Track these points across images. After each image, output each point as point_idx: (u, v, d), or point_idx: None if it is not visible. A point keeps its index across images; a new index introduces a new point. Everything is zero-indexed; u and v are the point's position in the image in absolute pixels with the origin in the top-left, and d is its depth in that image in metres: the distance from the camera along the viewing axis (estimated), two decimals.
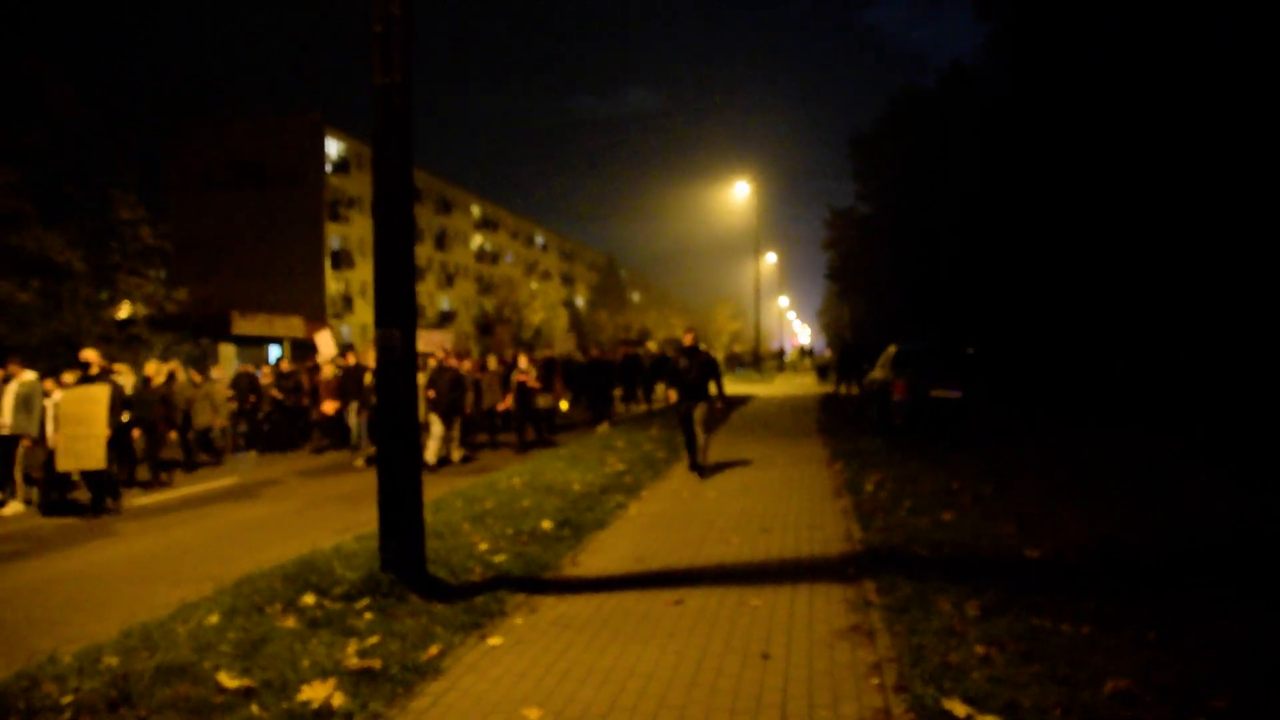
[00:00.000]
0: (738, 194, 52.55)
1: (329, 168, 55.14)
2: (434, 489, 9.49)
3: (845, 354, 32.82)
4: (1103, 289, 23.13)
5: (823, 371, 44.07)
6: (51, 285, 24.83)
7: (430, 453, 13.91)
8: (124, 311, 28.94)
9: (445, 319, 64.86)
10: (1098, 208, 22.66)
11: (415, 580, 6.28)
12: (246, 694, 4.50)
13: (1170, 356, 20.61)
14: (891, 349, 18.14)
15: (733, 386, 36.38)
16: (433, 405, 14.19)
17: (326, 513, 10.89)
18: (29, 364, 12.18)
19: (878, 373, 18.41)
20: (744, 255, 72.19)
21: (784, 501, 9.87)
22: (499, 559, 7.23)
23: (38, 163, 25.13)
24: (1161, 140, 20.52)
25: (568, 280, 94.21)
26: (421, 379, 14.77)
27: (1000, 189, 25.93)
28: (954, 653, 4.69)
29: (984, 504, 8.85)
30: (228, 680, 4.63)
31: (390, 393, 6.55)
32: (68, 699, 4.47)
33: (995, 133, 26.26)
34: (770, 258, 74.48)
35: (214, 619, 5.69)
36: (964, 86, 30.87)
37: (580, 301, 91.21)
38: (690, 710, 4.29)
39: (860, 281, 50.37)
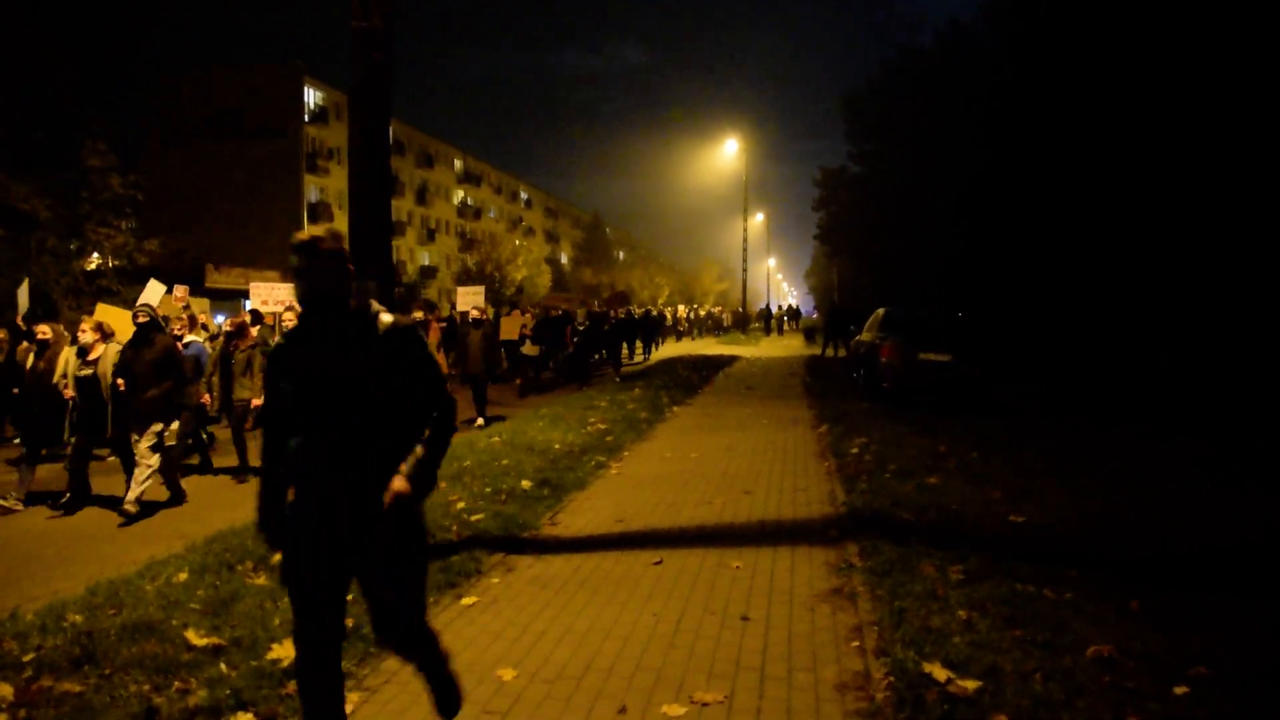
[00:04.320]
0: (726, 152, 52.25)
1: (307, 118, 54.41)
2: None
3: (833, 316, 32.74)
4: (1143, 270, 21.22)
5: (810, 334, 44.01)
6: (16, 235, 24.49)
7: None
8: (93, 263, 28.58)
9: (426, 275, 64.42)
10: (1119, 174, 21.41)
11: None
12: (215, 651, 4.42)
13: (1228, 352, 18.09)
14: (880, 311, 18.04)
15: (717, 348, 36.34)
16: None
17: None
18: None
19: (865, 335, 18.30)
20: (732, 215, 71.98)
21: (768, 463, 9.80)
22: (476, 518, 7.13)
23: (4, 110, 24.69)
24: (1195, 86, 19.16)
25: (552, 237, 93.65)
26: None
27: (1001, 152, 25.42)
28: (936, 617, 4.64)
29: (970, 470, 8.79)
30: (196, 638, 4.54)
31: None
32: (29, 656, 4.38)
33: (994, 95, 25.81)
34: (758, 218, 74.28)
35: (183, 576, 5.60)
36: (962, 46, 30.48)
37: (565, 259, 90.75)
38: (667, 671, 4.22)
39: (850, 243, 50.18)
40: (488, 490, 8.14)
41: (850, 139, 46.83)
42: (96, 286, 27.35)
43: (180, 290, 16.30)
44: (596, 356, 23.99)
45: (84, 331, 8.72)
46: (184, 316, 11.70)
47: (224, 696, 3.91)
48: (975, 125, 27.21)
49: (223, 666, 4.24)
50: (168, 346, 8.63)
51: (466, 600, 5.29)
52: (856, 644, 4.48)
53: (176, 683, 4.08)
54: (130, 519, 8.03)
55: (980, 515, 6.99)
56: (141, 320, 8.60)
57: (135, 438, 8.31)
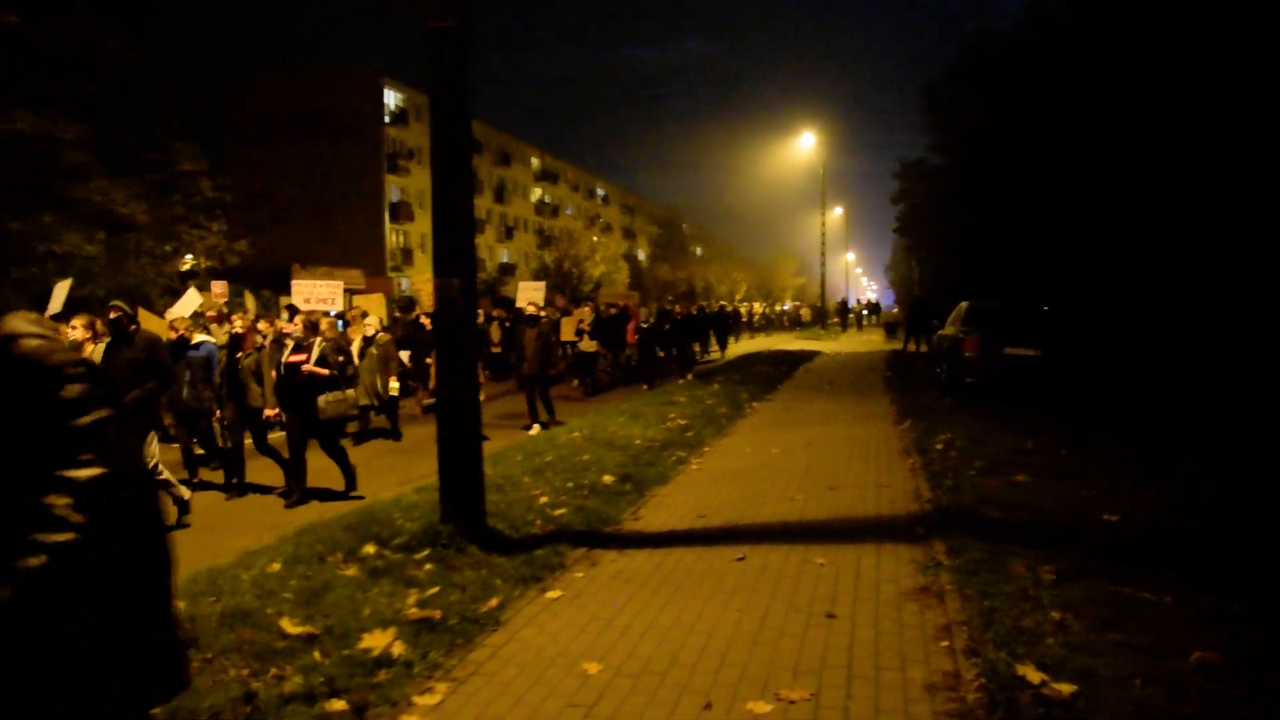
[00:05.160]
0: (803, 145, 51.72)
1: (387, 119, 55.36)
2: (493, 442, 9.49)
3: (914, 310, 32.16)
4: (1151, 268, 20.83)
5: (890, 328, 43.34)
6: (116, 238, 25.45)
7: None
8: (186, 263, 29.57)
9: (505, 272, 65.15)
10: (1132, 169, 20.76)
11: (475, 532, 6.27)
12: (309, 640, 4.52)
13: (1229, 351, 17.56)
14: (963, 305, 17.66)
15: (796, 343, 36.06)
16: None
17: (386, 464, 11.00)
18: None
19: (949, 329, 17.93)
20: (810, 209, 71.24)
21: (850, 459, 9.69)
22: (559, 512, 7.19)
23: (101, 117, 25.66)
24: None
25: (629, 234, 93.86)
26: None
27: (1079, 145, 24.67)
28: (1027, 617, 4.52)
29: (1059, 467, 8.55)
30: (290, 626, 4.65)
31: (450, 342, 6.50)
32: None
33: (1072, 83, 25.01)
34: (837, 211, 73.44)
35: (276, 566, 5.75)
36: (1042, 31, 29.58)
37: (641, 255, 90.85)
38: (753, 668, 4.20)
39: (930, 236, 49.22)
40: (569, 485, 8.20)
41: (928, 129, 45.92)
42: (189, 287, 28.30)
43: (219, 286, 16.28)
44: (661, 354, 22.98)
45: (74, 328, 7.95)
46: (216, 314, 11.45)
47: (318, 684, 4.00)
48: (1047, 115, 26.43)
49: (316, 655, 4.34)
50: (150, 344, 7.83)
51: (551, 594, 5.33)
52: (945, 643, 4.40)
53: (273, 669, 4.18)
54: None
55: (1071, 514, 6.80)
56: (113, 316, 7.80)
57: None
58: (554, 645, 4.55)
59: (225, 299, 15.48)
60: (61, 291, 12.35)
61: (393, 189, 55.73)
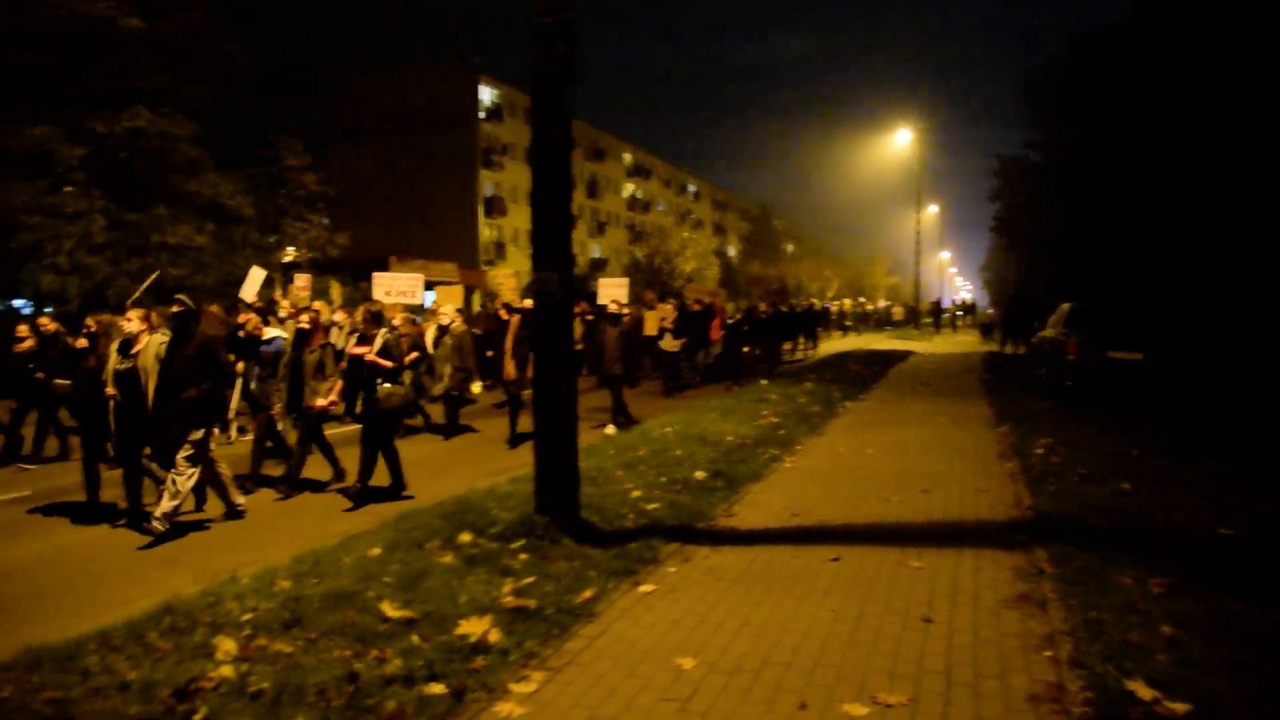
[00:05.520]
0: (898, 142, 50.82)
1: (482, 114, 56.14)
2: (584, 436, 9.54)
3: (1011, 311, 31.34)
4: None
5: (986, 329, 42.32)
6: (224, 230, 26.44)
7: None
8: (289, 255, 30.53)
9: (596, 267, 65.53)
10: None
11: (569, 524, 6.33)
12: (407, 624, 4.63)
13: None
14: (1065, 306, 17.14)
15: (888, 343, 35.50)
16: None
17: (479, 454, 11.17)
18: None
19: (1049, 331, 17.45)
20: (904, 206, 69.84)
21: (946, 462, 9.49)
22: (651, 506, 7.21)
23: (211, 114, 26.70)
24: None
25: (720, 230, 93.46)
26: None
27: (1198, 139, 23.58)
28: (1135, 631, 4.37)
29: (1168, 476, 8.23)
30: (390, 610, 4.77)
31: (548, 336, 6.57)
32: (246, 616, 4.72)
33: (1192, 74, 23.94)
34: (932, 209, 71.92)
35: (376, 551, 5.90)
36: (1152, 23, 28.45)
37: (732, 252, 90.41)
38: (848, 670, 4.15)
39: (1029, 235, 47.85)
40: (662, 479, 8.22)
41: (1029, 125, 44.57)
42: (291, 278, 29.26)
43: (302, 279, 16.27)
44: (746, 350, 22.29)
45: (129, 320, 7.85)
46: (293, 308, 11.33)
47: (417, 667, 4.09)
48: (1160, 111, 25.31)
49: (415, 639, 4.43)
50: (205, 343, 7.59)
51: (644, 588, 5.35)
52: (1049, 654, 4.28)
53: (374, 651, 4.29)
54: (157, 539, 7.16)
55: (1182, 526, 6.53)
56: (175, 310, 7.60)
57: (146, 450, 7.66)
58: (648, 639, 4.57)
59: (308, 292, 15.63)
60: (256, 278, 12.43)
61: (487, 184, 56.53)
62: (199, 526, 7.78)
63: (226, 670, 4.03)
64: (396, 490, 8.65)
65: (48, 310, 21.03)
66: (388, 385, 8.45)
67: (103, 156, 24.20)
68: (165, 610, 4.83)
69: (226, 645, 4.30)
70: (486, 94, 56.83)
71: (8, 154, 22.51)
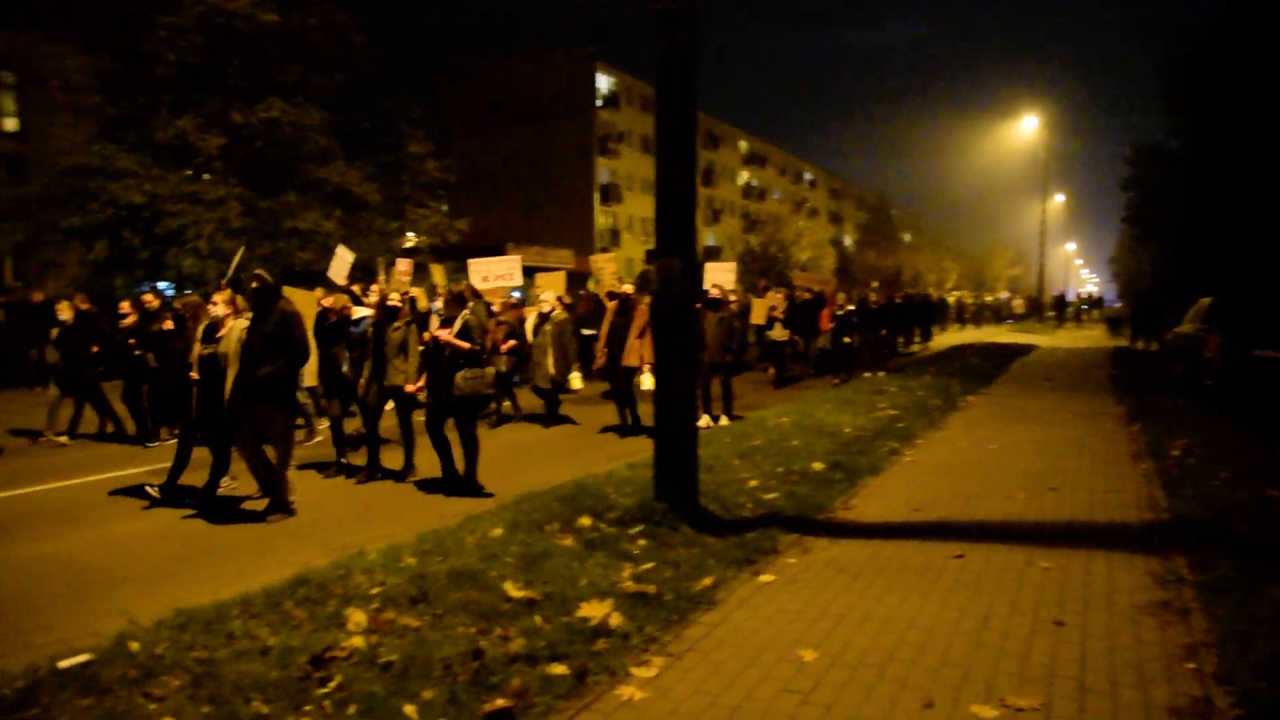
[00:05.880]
0: (1023, 129, 49.08)
1: (599, 102, 56.49)
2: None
3: (1143, 305, 29.96)
4: None
5: (1114, 324, 40.60)
6: (351, 216, 27.30)
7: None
8: (410, 241, 31.32)
9: (710, 255, 65.35)
10: None
11: (687, 511, 6.34)
12: (529, 605, 4.70)
13: None
14: (1204, 301, 16.26)
15: (1009, 336, 34.44)
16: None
17: (597, 439, 11.26)
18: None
19: (1187, 327, 16.58)
20: (1028, 195, 67.54)
21: (1074, 460, 9.15)
22: (769, 496, 7.16)
23: (342, 104, 27.59)
24: None
25: (836, 219, 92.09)
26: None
27: None
28: None
29: None
30: (513, 590, 4.85)
31: (670, 324, 6.58)
32: (375, 590, 4.88)
33: None
34: (1058, 198, 69.30)
35: (498, 532, 6.01)
36: None
37: (848, 241, 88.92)
38: (976, 670, 4.04)
39: (1166, 226, 45.58)
40: (779, 470, 8.15)
41: (1167, 110, 42.32)
42: (414, 263, 30.06)
43: (404, 264, 16.00)
44: (848, 340, 20.98)
45: (215, 305, 7.82)
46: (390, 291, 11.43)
47: (540, 647, 4.15)
48: None
49: (537, 619, 4.50)
50: (283, 318, 7.41)
51: (764, 578, 5.32)
52: (1192, 666, 4.07)
53: (497, 629, 4.37)
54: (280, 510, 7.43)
55: None
56: (254, 286, 7.50)
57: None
58: (768, 629, 4.54)
59: (409, 276, 15.55)
60: (345, 258, 12.60)
61: (603, 171, 56.97)
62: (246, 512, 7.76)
63: (358, 641, 4.17)
64: (469, 484, 8.33)
65: (167, 290, 22.19)
66: (466, 370, 8.08)
67: (239, 146, 25.28)
68: (299, 581, 5.03)
69: (357, 617, 4.45)
70: (603, 81, 57.22)
71: (157, 145, 23.73)
